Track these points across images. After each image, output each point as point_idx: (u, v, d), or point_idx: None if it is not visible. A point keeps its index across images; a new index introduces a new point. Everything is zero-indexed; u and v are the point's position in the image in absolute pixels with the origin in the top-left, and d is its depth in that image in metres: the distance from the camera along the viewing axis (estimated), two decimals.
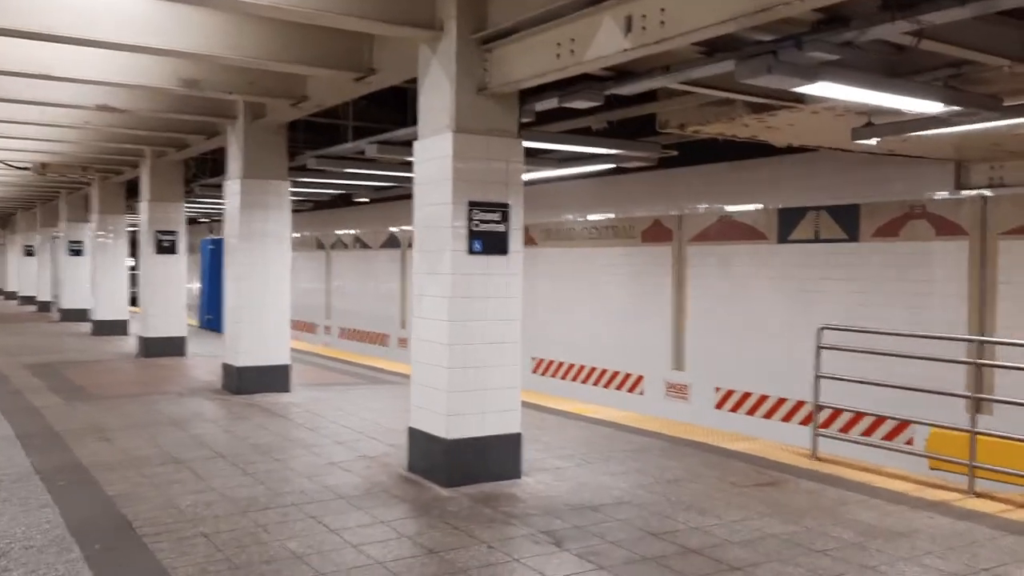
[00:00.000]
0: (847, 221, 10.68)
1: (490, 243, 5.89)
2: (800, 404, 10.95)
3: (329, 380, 11.15)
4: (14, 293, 31.77)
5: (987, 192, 9.34)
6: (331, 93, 8.01)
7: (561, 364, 15.18)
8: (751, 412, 11.87)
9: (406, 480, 6.08)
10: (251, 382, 9.37)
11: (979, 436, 5.98)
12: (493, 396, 5.95)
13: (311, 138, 10.14)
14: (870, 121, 6.44)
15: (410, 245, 19.95)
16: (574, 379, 14.86)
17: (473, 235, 5.81)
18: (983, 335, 9.22)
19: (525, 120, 6.37)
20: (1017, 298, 9.09)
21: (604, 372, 14.30)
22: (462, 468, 5.85)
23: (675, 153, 8.37)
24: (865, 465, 6.80)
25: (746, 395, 11.94)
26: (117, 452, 6.84)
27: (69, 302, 20.23)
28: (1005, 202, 9.22)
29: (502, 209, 5.92)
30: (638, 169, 13.50)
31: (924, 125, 6.15)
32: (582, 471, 6.37)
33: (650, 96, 7.22)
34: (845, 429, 10.23)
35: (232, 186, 9.49)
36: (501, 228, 5.93)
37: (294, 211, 11.73)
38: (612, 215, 14.19)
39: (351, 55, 6.90)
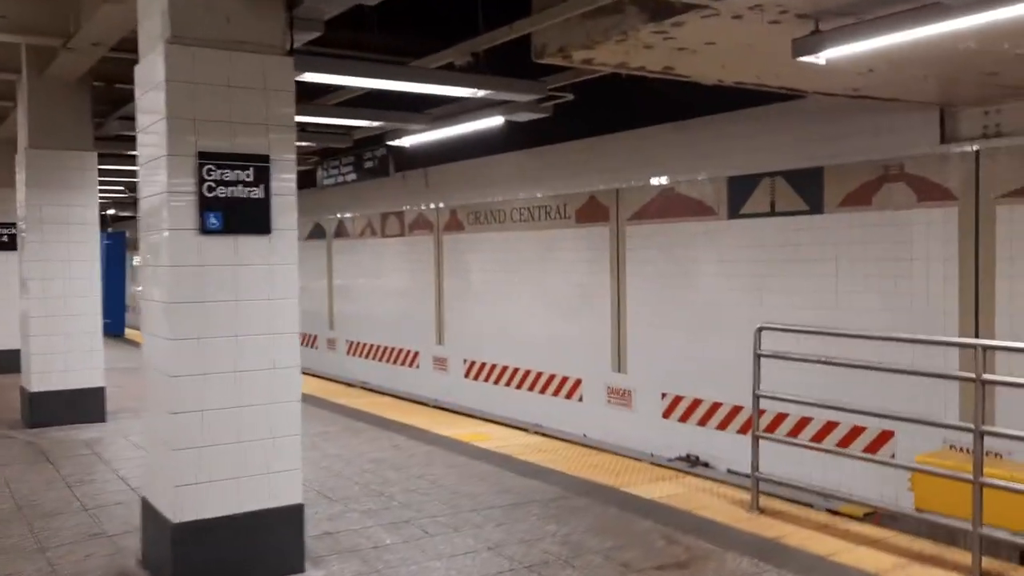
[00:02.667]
0: (808, 189, 8.69)
1: (237, 217, 3.85)
2: (759, 414, 8.96)
3: None
4: None
5: (980, 145, 7.38)
6: (109, 27, 5.95)
7: (494, 367, 13.18)
8: (702, 423, 9.89)
9: None
10: (48, 412, 7.31)
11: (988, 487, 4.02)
12: (254, 453, 3.92)
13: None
14: (817, 27, 4.44)
15: (336, 234, 17.99)
16: (507, 384, 12.86)
17: (207, 204, 3.78)
18: (978, 329, 7.26)
19: (313, 36, 4.33)
20: (1021, 276, 7.14)
21: (539, 376, 12.30)
22: (201, 566, 3.82)
23: (569, 97, 6.35)
24: (826, 521, 4.83)
25: (696, 402, 9.96)
26: None
27: None
28: (1003, 157, 7.24)
29: (257, 165, 3.89)
30: (569, 137, 11.53)
31: (895, 24, 4.15)
32: (410, 552, 4.35)
33: (523, 10, 5.21)
34: (792, 434, 8.27)
35: (19, 160, 7.41)
36: (257, 194, 3.89)
37: None
38: (541, 193, 12.16)
39: None
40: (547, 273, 12.15)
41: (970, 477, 4.03)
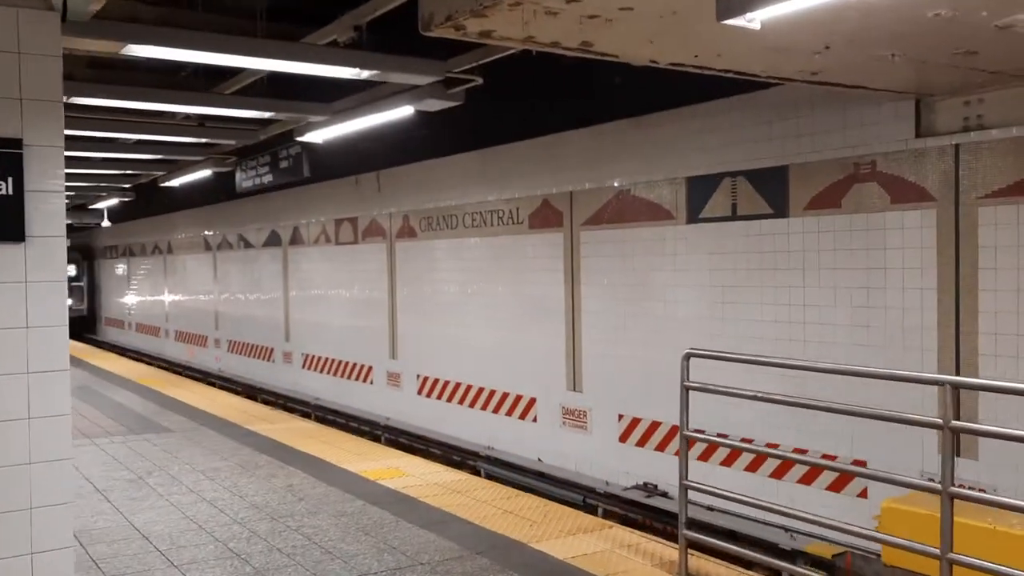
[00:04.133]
0: (772, 190, 7.81)
1: None
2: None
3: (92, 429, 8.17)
4: None
5: (960, 139, 6.51)
6: None
7: (447, 384, 12.27)
8: (660, 447, 9.00)
9: None
10: None
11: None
12: (7, 528, 3.00)
13: None
14: None
15: (292, 242, 17.06)
16: (460, 402, 11.95)
17: None
18: (959, 348, 6.39)
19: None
20: (1007, 291, 6.26)
21: (493, 394, 11.39)
22: None
23: (478, 81, 5.46)
24: None
25: (654, 425, 9.06)
26: None
27: None
28: (986, 152, 6.37)
29: (3, 152, 2.98)
30: (522, 136, 10.66)
31: None
32: None
33: None
34: (753, 467, 7.42)
35: None
36: (3, 190, 2.99)
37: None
38: (492, 196, 11.27)
39: None
40: (499, 283, 11.26)
41: (937, 552, 3.14)
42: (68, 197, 15.54)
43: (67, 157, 9.51)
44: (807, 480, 7.54)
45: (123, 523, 5.01)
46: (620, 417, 9.45)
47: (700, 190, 8.48)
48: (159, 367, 22.22)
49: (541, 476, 10.27)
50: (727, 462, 8.14)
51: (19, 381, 3.03)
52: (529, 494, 5.82)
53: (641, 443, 9.21)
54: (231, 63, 4.85)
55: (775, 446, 7.88)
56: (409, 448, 12.55)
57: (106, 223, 16.59)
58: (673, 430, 8.82)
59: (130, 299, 26.57)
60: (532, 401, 10.74)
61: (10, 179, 2.99)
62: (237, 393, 17.90)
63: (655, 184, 8.94)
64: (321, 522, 5.04)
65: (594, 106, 9.25)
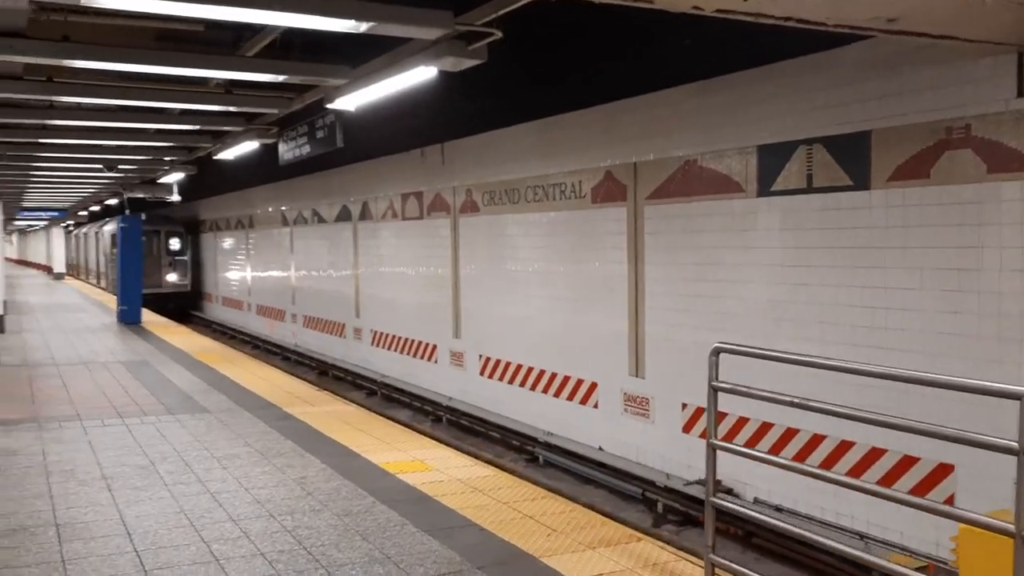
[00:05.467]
0: (852, 159, 6.97)
1: None
2: (816, 439, 7.39)
3: (125, 407, 8.01)
4: None
5: None
6: None
7: (508, 365, 11.79)
8: (727, 440, 8.28)
9: None
10: None
11: None
12: None
13: None
14: None
15: (361, 217, 16.81)
16: (522, 384, 11.46)
17: None
18: None
19: None
20: None
21: (553, 377, 10.86)
22: None
23: (497, 35, 4.86)
24: None
25: (719, 416, 8.31)
26: None
27: None
28: None
29: None
30: (582, 104, 10.00)
31: None
32: None
33: None
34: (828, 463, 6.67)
35: None
36: None
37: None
38: (554, 169, 10.66)
39: None
40: (560, 261, 10.67)
41: None
42: (131, 170, 15.63)
43: (123, 129, 9.33)
44: (886, 483, 6.75)
45: (113, 517, 4.70)
46: (684, 406, 8.79)
47: (771, 160, 7.69)
48: (243, 340, 22.58)
49: (600, 466, 9.71)
50: (797, 458, 7.40)
51: None
52: (554, 496, 5.27)
53: (705, 434, 8.51)
54: (215, 15, 4.43)
55: (850, 445, 7.14)
56: (470, 430, 12.17)
57: (175, 197, 16.70)
58: (740, 421, 8.12)
59: (218, 273, 26.95)
60: (593, 386, 10.15)
61: None
62: (312, 369, 17.93)
63: (722, 154, 8.19)
64: (321, 523, 4.62)
65: (657, 70, 8.52)
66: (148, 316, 17.90)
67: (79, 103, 8.41)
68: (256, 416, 7.49)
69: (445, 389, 13.22)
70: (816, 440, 7.33)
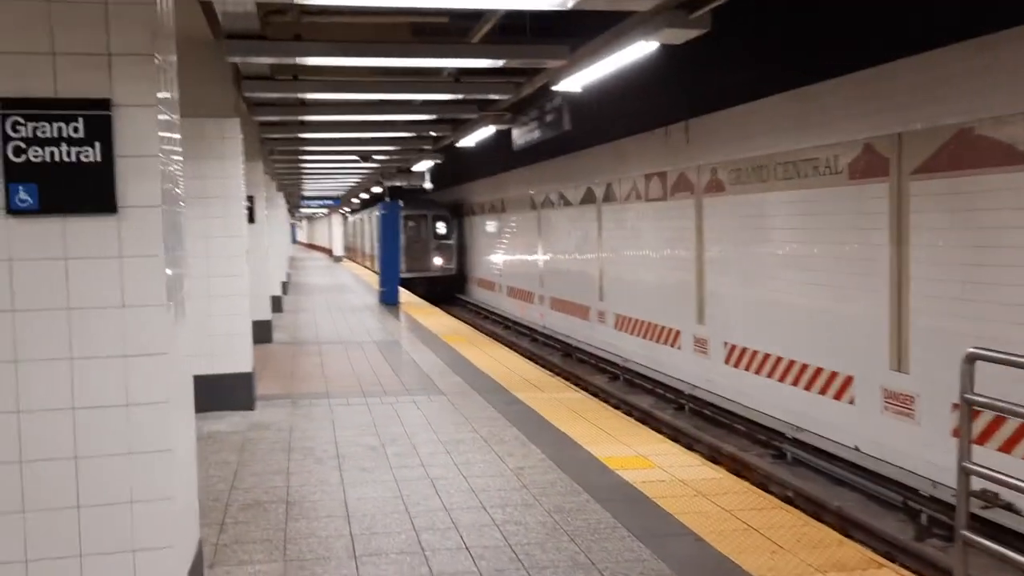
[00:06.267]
0: None
1: (62, 190, 2.71)
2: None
3: (355, 389, 8.42)
4: None
5: None
6: None
7: (755, 354, 11.11)
8: (1007, 448, 7.22)
9: None
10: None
11: None
12: (101, 525, 2.80)
13: None
14: None
15: (605, 199, 16.62)
16: (769, 375, 10.75)
17: (15, 173, 2.68)
18: None
19: None
20: None
21: (804, 368, 10.06)
22: None
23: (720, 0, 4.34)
24: None
25: (998, 420, 7.29)
26: None
27: None
28: None
29: (91, 114, 2.71)
30: (838, 70, 9.08)
31: None
32: None
33: None
34: None
35: None
36: (90, 156, 2.72)
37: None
38: (805, 143, 9.81)
39: None
40: (812, 243, 9.83)
41: None
42: (385, 161, 16.49)
43: (376, 122, 9.84)
44: None
45: (338, 498, 4.86)
46: (955, 407, 7.74)
47: None
48: (495, 320, 23.34)
49: (855, 467, 8.85)
50: None
51: (114, 365, 2.79)
52: (786, 507, 4.75)
53: (981, 440, 7.47)
54: (414, 3, 4.37)
55: None
56: (713, 420, 11.62)
57: (428, 184, 17.46)
58: (1022, 428, 7.01)
59: (476, 256, 27.99)
60: (848, 380, 9.27)
61: (98, 144, 2.72)
62: (557, 351, 18.12)
63: (1005, 120, 7.06)
64: (530, 518, 4.48)
65: (926, 27, 7.53)
66: (406, 297, 18.92)
67: (324, 99, 8.96)
68: (486, 400, 7.54)
69: (688, 376, 12.75)
70: None
